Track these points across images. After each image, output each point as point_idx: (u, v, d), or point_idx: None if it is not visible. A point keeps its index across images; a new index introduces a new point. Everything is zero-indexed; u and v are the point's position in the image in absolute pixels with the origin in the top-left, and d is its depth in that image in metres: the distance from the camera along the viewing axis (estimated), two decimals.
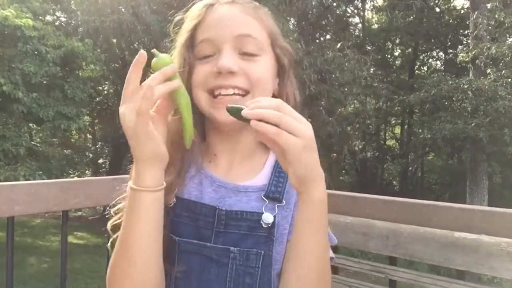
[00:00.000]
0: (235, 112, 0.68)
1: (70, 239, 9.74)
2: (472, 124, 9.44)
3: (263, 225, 0.80)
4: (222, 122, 0.80)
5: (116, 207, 0.85)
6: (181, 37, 0.86)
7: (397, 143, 17.29)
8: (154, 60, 0.74)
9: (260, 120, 0.64)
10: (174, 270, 0.80)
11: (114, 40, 11.63)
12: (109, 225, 0.84)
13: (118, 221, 0.82)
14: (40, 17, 9.47)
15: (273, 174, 0.86)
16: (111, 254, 0.78)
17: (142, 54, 0.70)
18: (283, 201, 0.83)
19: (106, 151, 15.59)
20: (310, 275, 0.74)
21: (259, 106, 0.65)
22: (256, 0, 0.91)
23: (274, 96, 0.86)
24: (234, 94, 0.80)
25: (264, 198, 0.83)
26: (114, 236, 0.81)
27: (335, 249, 1.09)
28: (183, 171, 0.84)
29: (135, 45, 13.00)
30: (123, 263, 0.74)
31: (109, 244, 0.84)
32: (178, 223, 0.82)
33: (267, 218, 0.80)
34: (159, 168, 0.73)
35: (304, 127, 0.65)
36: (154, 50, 0.75)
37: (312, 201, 0.70)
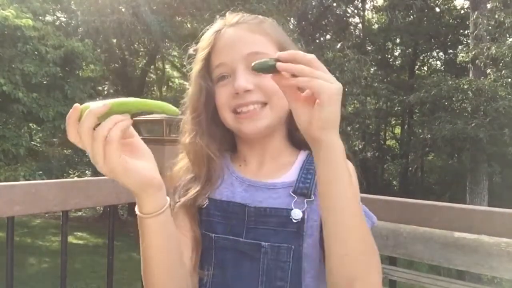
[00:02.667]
0: (262, 68, 0.70)
1: (70, 239, 9.74)
2: (472, 124, 9.44)
3: (293, 220, 0.83)
4: (248, 133, 0.89)
5: None
6: (196, 66, 0.92)
7: (397, 143, 17.28)
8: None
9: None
10: (211, 265, 0.86)
11: (114, 40, 11.62)
12: None
13: None
14: (40, 17, 9.45)
15: (301, 171, 0.89)
16: None
17: (76, 108, 0.66)
18: (312, 196, 0.85)
19: None
20: (350, 229, 0.71)
21: (294, 59, 0.67)
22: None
23: None
24: (254, 108, 0.87)
25: (293, 194, 0.86)
26: None
27: None
28: (211, 181, 0.91)
29: (135, 45, 13.01)
30: (146, 280, 0.80)
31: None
32: (212, 222, 0.89)
33: (296, 214, 0.83)
34: (154, 194, 0.73)
35: (335, 80, 0.68)
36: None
37: (335, 147, 0.70)
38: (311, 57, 0.68)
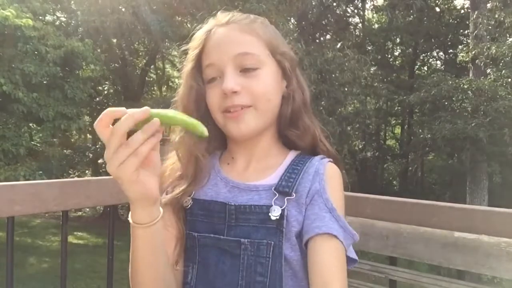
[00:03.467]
0: None
1: (70, 239, 9.74)
2: (472, 124, 9.43)
3: (272, 217, 0.84)
4: (234, 135, 0.90)
5: None
6: (187, 65, 0.93)
7: (397, 143, 17.29)
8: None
9: None
10: (195, 263, 0.89)
11: (114, 40, 11.62)
12: None
13: None
14: (40, 17, 9.45)
15: (286, 171, 0.90)
16: None
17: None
18: (293, 194, 0.85)
19: None
20: None
21: None
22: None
23: (283, 97, 0.93)
24: (240, 110, 0.87)
25: (274, 192, 0.86)
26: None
27: None
28: (196, 180, 0.93)
29: (135, 45, 13.01)
30: (133, 282, 0.84)
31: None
32: (195, 221, 0.91)
33: (275, 210, 0.84)
34: (148, 207, 0.76)
35: None
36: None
37: None
38: None
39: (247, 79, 0.86)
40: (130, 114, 0.67)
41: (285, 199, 0.85)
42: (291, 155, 0.94)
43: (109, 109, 0.68)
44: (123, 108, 0.69)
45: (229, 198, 0.89)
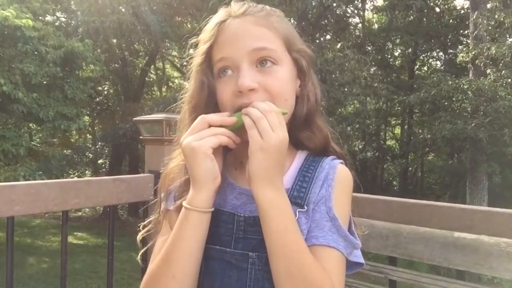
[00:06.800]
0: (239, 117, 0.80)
1: (70, 239, 9.74)
2: (472, 124, 9.43)
3: None
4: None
5: (145, 222, 0.93)
6: (196, 59, 0.88)
7: (397, 143, 17.30)
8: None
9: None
10: (201, 275, 0.84)
11: (114, 40, 11.63)
12: (138, 238, 0.93)
13: (145, 234, 0.93)
14: (40, 17, 9.46)
15: (297, 178, 0.85)
16: (144, 266, 0.87)
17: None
18: (305, 206, 0.82)
19: (106, 151, 15.60)
20: (279, 274, 0.75)
21: (253, 106, 0.77)
22: (256, 1, 0.92)
23: (296, 97, 0.89)
24: None
25: None
26: (143, 250, 0.93)
27: None
28: None
29: (135, 45, 13.01)
30: (164, 275, 0.80)
31: (138, 257, 0.94)
32: None
33: None
34: (210, 191, 0.79)
35: (273, 135, 0.74)
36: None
37: (257, 198, 0.76)
38: (265, 108, 0.76)
39: (264, 76, 0.81)
40: (221, 118, 0.80)
41: (297, 211, 0.81)
42: (300, 156, 0.90)
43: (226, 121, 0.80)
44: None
45: (236, 206, 0.85)
